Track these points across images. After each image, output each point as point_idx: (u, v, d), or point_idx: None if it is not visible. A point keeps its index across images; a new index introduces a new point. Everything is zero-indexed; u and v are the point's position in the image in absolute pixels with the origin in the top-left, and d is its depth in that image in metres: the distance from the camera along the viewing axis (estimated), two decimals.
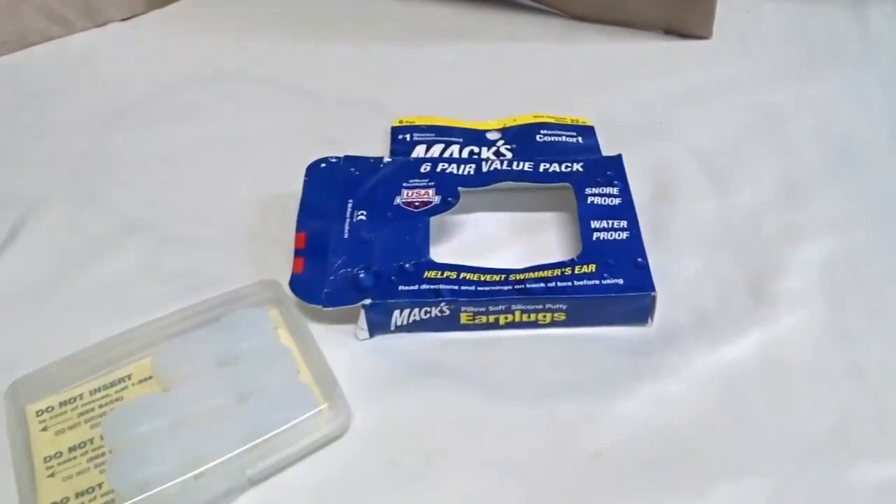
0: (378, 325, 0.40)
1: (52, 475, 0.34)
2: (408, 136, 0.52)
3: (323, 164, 0.46)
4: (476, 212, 0.46)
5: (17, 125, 0.55)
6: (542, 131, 0.51)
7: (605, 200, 0.43)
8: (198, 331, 0.39)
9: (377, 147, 0.51)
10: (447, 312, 0.39)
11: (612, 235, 0.41)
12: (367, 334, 0.40)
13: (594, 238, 0.41)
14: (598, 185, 0.44)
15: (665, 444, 0.36)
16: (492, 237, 0.45)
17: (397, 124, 0.53)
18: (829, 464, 0.35)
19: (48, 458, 0.35)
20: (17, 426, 0.36)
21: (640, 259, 0.40)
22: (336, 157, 0.46)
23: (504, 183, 0.45)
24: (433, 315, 0.40)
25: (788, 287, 0.42)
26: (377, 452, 0.36)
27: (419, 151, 0.50)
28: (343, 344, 0.40)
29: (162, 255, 0.46)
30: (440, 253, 0.43)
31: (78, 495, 0.34)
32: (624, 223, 0.42)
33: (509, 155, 0.49)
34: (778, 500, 0.34)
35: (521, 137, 0.51)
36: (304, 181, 0.45)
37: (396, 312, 0.39)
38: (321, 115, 0.55)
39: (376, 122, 0.53)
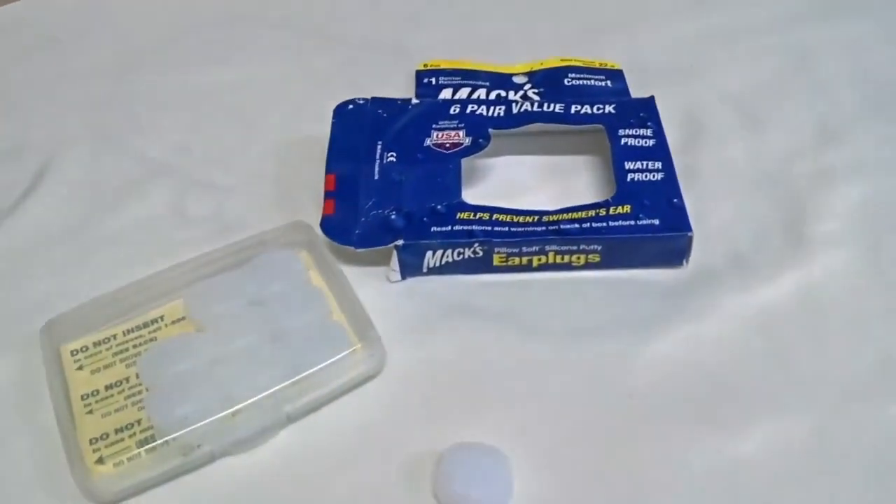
0: (410, 267, 0.40)
1: (90, 412, 0.35)
2: (433, 80, 0.51)
3: (350, 106, 0.45)
4: (506, 155, 0.46)
5: (36, 70, 0.54)
6: (570, 75, 0.50)
7: (638, 142, 0.42)
8: (229, 272, 0.39)
9: (401, 91, 0.50)
10: (480, 254, 0.39)
11: (646, 176, 0.41)
12: (398, 276, 0.40)
13: (628, 179, 0.41)
14: (632, 126, 0.43)
15: (702, 383, 0.36)
16: (522, 181, 0.45)
17: (422, 68, 0.52)
18: (869, 402, 0.35)
19: (85, 396, 0.35)
20: (53, 365, 0.36)
21: (675, 199, 0.40)
22: (363, 99, 0.46)
23: (534, 126, 0.45)
24: (466, 256, 0.39)
25: (824, 229, 0.41)
26: (412, 391, 0.36)
27: (445, 95, 0.49)
28: (374, 286, 0.40)
29: (187, 198, 0.46)
30: (471, 196, 0.43)
31: (117, 431, 0.34)
32: (658, 164, 0.41)
33: (537, 98, 0.48)
34: (818, 437, 0.34)
35: (549, 81, 0.50)
36: (332, 123, 0.44)
37: (429, 254, 0.39)
38: (343, 59, 0.54)
39: (400, 65, 0.52)
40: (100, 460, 0.33)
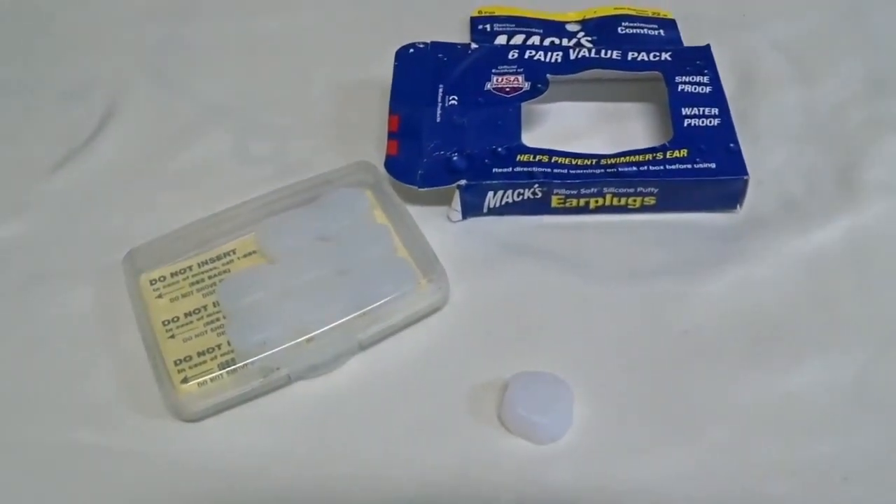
0: (471, 207, 0.41)
1: (171, 337, 0.37)
2: (488, 27, 0.51)
3: (411, 50, 0.46)
4: (562, 101, 0.47)
5: (94, 15, 0.55)
6: (623, 23, 0.51)
7: (695, 88, 0.43)
8: (297, 209, 0.41)
9: (455, 37, 0.51)
10: (539, 195, 0.40)
11: (703, 122, 0.41)
12: (460, 216, 0.41)
13: (685, 124, 0.41)
14: (688, 73, 0.44)
15: (753, 322, 0.37)
16: (579, 126, 0.46)
17: (476, 14, 0.53)
18: None
19: (166, 322, 0.37)
20: (136, 292, 0.38)
21: (732, 144, 0.40)
22: (423, 43, 0.47)
23: (590, 72, 0.45)
24: (525, 197, 0.41)
25: (876, 177, 0.42)
26: (476, 324, 0.38)
27: (500, 41, 0.50)
28: (436, 225, 0.41)
29: (249, 140, 0.47)
30: (528, 140, 0.43)
31: (199, 354, 0.36)
32: (715, 111, 0.42)
33: (590, 46, 0.49)
34: (866, 375, 0.35)
35: (602, 29, 0.51)
36: (395, 66, 0.45)
37: (490, 194, 0.40)
38: (396, 8, 0.54)
39: (451, 12, 0.53)
40: (184, 380, 0.35)
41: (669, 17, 0.52)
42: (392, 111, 0.44)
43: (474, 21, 0.52)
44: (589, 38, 0.50)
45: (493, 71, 0.45)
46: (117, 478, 0.34)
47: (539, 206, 0.41)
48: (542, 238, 0.41)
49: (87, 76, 0.51)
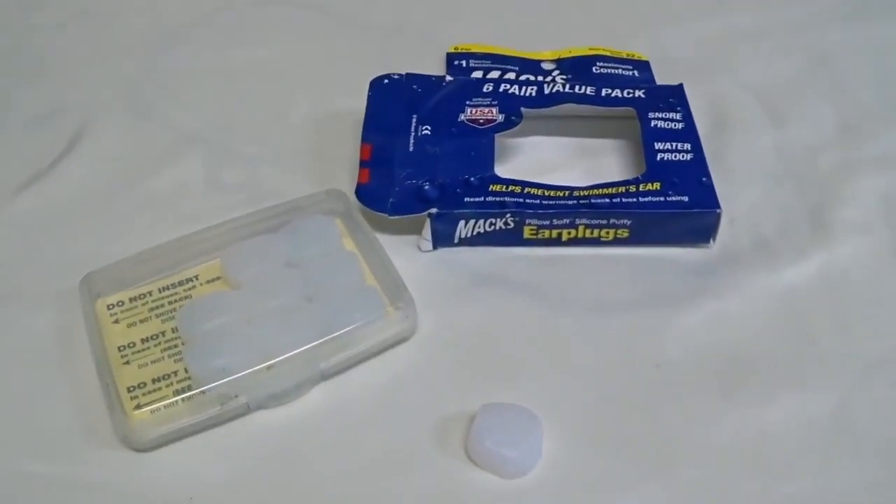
0: (442, 237, 0.40)
1: (126, 363, 0.35)
2: (464, 63, 0.52)
3: (386, 81, 0.46)
4: (536, 135, 0.47)
5: (71, 43, 0.55)
6: (597, 63, 0.51)
7: (668, 124, 0.43)
8: (265, 235, 0.40)
9: (432, 72, 0.51)
10: (511, 225, 0.40)
11: (676, 157, 0.41)
12: (430, 245, 0.41)
13: (658, 158, 0.41)
14: (661, 109, 0.44)
15: (726, 357, 0.37)
16: (552, 160, 0.45)
17: (453, 50, 0.53)
18: (888, 380, 0.36)
19: (122, 348, 0.36)
20: (91, 317, 0.36)
21: (704, 179, 0.40)
22: (398, 74, 0.47)
23: (565, 107, 0.45)
24: (497, 227, 0.40)
25: (848, 216, 0.42)
26: (444, 354, 0.37)
27: (476, 76, 0.50)
28: (406, 255, 0.41)
29: (222, 167, 0.46)
30: (501, 173, 0.43)
31: (154, 381, 0.34)
32: (688, 146, 0.42)
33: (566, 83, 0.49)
34: (841, 411, 0.35)
35: (577, 69, 0.51)
36: (368, 95, 0.45)
37: (461, 223, 0.40)
38: (373, 43, 0.55)
39: (428, 50, 0.53)
40: (138, 406, 0.33)
41: (644, 58, 0.52)
42: (364, 140, 0.43)
43: (450, 57, 0.52)
44: (564, 77, 0.50)
45: (468, 102, 0.45)
46: None
47: (511, 237, 0.40)
48: (514, 269, 0.40)
49: (59, 102, 0.50)
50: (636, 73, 0.51)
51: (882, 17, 0.56)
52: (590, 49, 0.53)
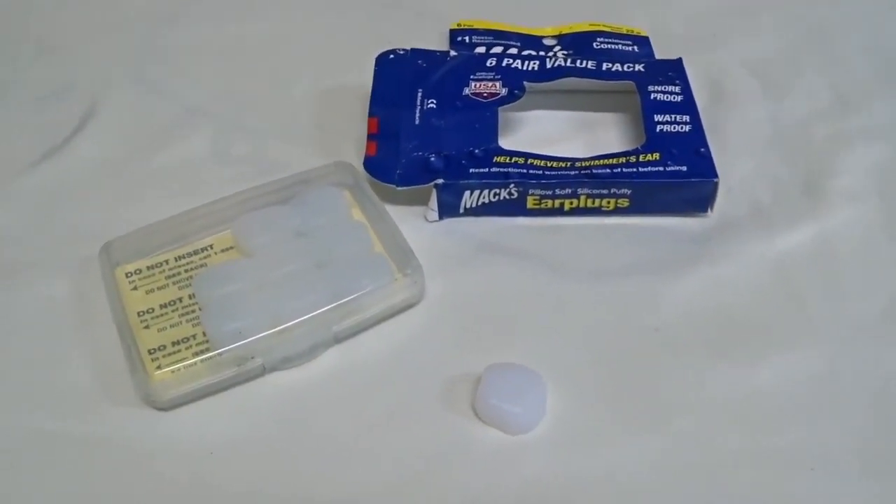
0: (448, 207, 0.42)
1: (146, 327, 0.37)
2: (466, 39, 0.53)
3: (391, 56, 0.47)
4: (538, 109, 0.48)
5: (77, 18, 0.56)
6: (598, 39, 0.52)
7: (667, 97, 0.44)
8: (275, 206, 0.41)
9: (435, 48, 0.52)
10: (515, 195, 0.41)
11: (674, 128, 0.43)
12: (436, 215, 0.42)
13: (657, 130, 0.43)
14: (660, 83, 0.45)
15: (721, 320, 0.38)
16: (554, 133, 0.47)
17: (455, 27, 0.54)
18: (880, 340, 0.37)
19: (141, 313, 0.37)
20: (112, 284, 0.38)
21: (702, 149, 0.42)
22: (403, 50, 0.48)
23: (566, 82, 0.46)
24: (501, 198, 0.41)
25: (841, 185, 0.44)
26: (450, 319, 0.38)
27: (479, 52, 0.51)
28: (414, 225, 0.42)
29: (229, 140, 0.47)
30: (505, 145, 0.44)
31: (174, 343, 0.36)
32: (686, 118, 0.43)
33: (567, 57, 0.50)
34: (831, 370, 0.36)
35: (578, 44, 0.52)
36: (375, 70, 0.46)
37: (466, 194, 0.41)
38: (374, 18, 0.56)
39: (430, 26, 0.54)
40: (158, 367, 0.35)
41: (643, 34, 0.53)
42: (371, 113, 0.44)
43: (453, 33, 0.53)
44: (565, 52, 0.51)
45: (472, 77, 0.46)
46: (90, 466, 0.33)
47: (515, 207, 0.42)
48: (518, 238, 0.42)
49: (68, 77, 0.51)
50: (636, 48, 0.52)
51: None
52: (590, 25, 0.54)
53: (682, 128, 0.43)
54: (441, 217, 0.42)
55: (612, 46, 0.52)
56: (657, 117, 0.43)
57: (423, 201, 0.42)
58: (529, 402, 0.34)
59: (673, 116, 0.43)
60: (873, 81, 0.50)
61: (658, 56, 0.52)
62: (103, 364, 0.36)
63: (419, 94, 0.45)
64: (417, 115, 0.44)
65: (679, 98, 0.44)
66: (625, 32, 0.53)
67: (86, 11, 0.56)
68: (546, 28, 0.54)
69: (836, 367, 0.36)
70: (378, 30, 0.54)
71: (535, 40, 0.53)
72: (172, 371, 0.34)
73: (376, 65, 0.47)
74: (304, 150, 0.46)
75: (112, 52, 0.53)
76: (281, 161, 0.45)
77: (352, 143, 0.46)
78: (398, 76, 0.46)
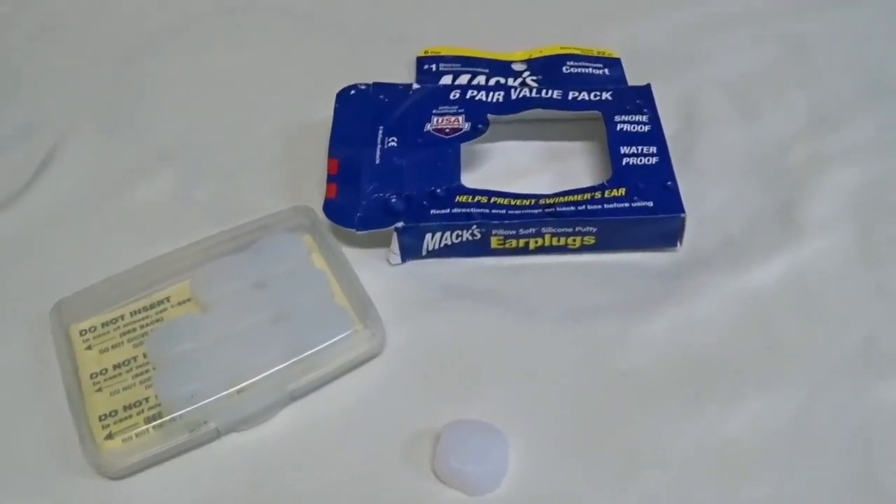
0: (410, 250, 0.41)
1: (99, 390, 0.36)
2: (434, 67, 0.51)
3: (352, 92, 0.46)
4: (504, 140, 0.47)
5: (43, 56, 0.55)
6: (568, 63, 0.51)
7: (634, 127, 0.43)
8: (233, 255, 0.40)
9: (402, 78, 0.51)
10: (478, 236, 0.40)
11: (641, 160, 0.41)
12: (399, 259, 0.41)
13: (623, 163, 0.41)
14: (628, 112, 0.44)
15: (692, 363, 0.37)
16: (521, 165, 0.45)
17: (423, 54, 0.53)
18: (855, 381, 0.36)
19: (94, 375, 0.36)
20: (63, 345, 0.37)
21: (669, 182, 0.40)
22: (365, 84, 0.47)
23: (532, 112, 0.45)
24: (464, 239, 0.40)
25: (816, 213, 0.42)
26: (412, 370, 0.37)
27: (446, 81, 0.50)
28: (376, 269, 0.41)
29: (193, 183, 0.46)
30: (470, 181, 0.43)
31: (126, 408, 0.35)
32: (653, 149, 0.42)
33: (535, 85, 0.49)
34: (805, 414, 0.35)
35: (548, 69, 0.51)
36: (335, 108, 0.45)
37: (428, 236, 0.40)
38: (344, 47, 0.55)
39: (400, 53, 0.53)
40: (109, 436, 0.34)
41: (614, 55, 0.52)
42: (331, 154, 0.43)
43: (420, 61, 0.52)
44: (534, 78, 0.50)
45: (434, 111, 0.45)
46: None
47: (479, 248, 0.41)
48: (483, 280, 0.40)
49: (31, 119, 0.50)
50: (607, 71, 0.51)
51: (853, 3, 0.56)
52: (560, 48, 0.53)
53: (648, 160, 0.41)
54: (404, 260, 0.41)
55: (583, 70, 0.51)
56: (623, 149, 0.42)
57: (387, 243, 0.41)
58: (490, 462, 0.33)
59: (640, 148, 0.42)
60: (853, 98, 0.49)
61: (630, 77, 0.50)
62: (56, 429, 0.35)
63: (380, 132, 0.44)
64: (378, 154, 0.43)
65: (646, 128, 0.43)
66: (595, 55, 0.52)
67: (48, 50, 0.55)
68: (516, 52, 0.53)
69: (811, 410, 0.35)
70: (351, 59, 0.53)
71: (504, 66, 0.52)
72: (123, 440, 0.33)
73: (337, 102, 0.46)
74: (268, 192, 0.45)
75: (76, 92, 0.52)
76: (245, 203, 0.44)
77: (317, 183, 0.45)
78: (359, 113, 0.45)
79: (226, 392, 0.34)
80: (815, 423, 0.35)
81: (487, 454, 0.33)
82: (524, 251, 0.41)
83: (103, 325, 0.38)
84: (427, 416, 0.35)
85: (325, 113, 0.47)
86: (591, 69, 0.51)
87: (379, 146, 0.43)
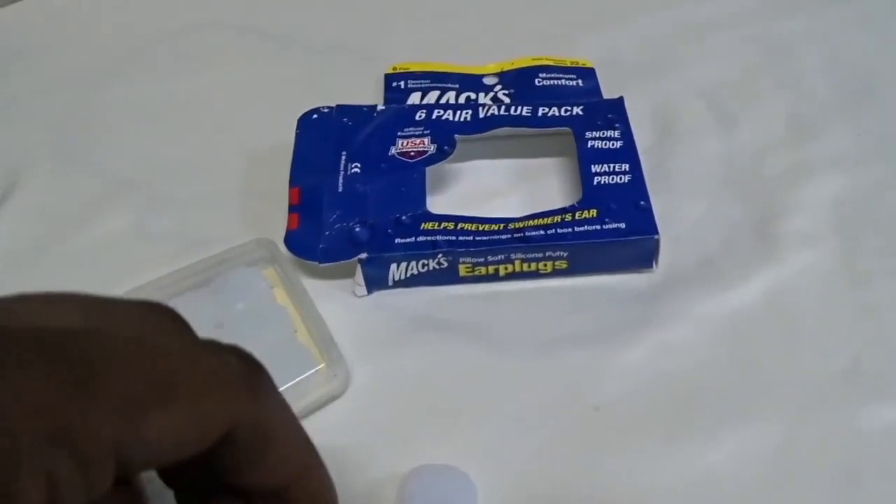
0: (375, 281, 0.39)
1: None
2: (402, 84, 0.50)
3: (315, 115, 0.45)
4: (474, 160, 0.45)
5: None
6: (540, 74, 0.50)
7: (605, 144, 0.42)
8: (192, 293, 0.39)
9: (371, 96, 0.50)
10: (445, 265, 0.38)
11: (613, 179, 0.40)
12: (364, 290, 0.39)
13: (595, 182, 0.40)
14: (599, 128, 0.42)
15: (672, 392, 0.35)
16: (491, 185, 0.44)
17: (391, 71, 0.51)
18: (840, 407, 0.34)
19: None
20: None
21: (642, 202, 0.39)
22: (328, 107, 0.45)
23: (502, 129, 0.44)
24: (431, 268, 0.39)
25: (796, 227, 0.41)
26: (378, 410, 0.35)
27: (414, 99, 0.48)
28: (341, 301, 0.39)
29: (152, 215, 0.45)
30: (438, 203, 0.42)
31: None
32: (626, 166, 0.40)
33: (507, 100, 0.47)
34: (788, 444, 0.33)
35: (520, 81, 0.49)
36: (296, 134, 0.44)
37: (393, 266, 0.39)
38: (310, 65, 0.53)
39: (368, 69, 0.52)
40: None
41: (588, 65, 0.51)
42: (293, 183, 0.42)
43: (388, 78, 0.50)
44: (506, 91, 0.49)
45: (399, 134, 0.43)
46: None
47: (447, 276, 0.39)
48: (452, 310, 0.39)
49: None
50: (580, 81, 0.49)
51: (831, 4, 0.54)
52: (532, 59, 0.51)
53: (621, 178, 0.40)
54: (370, 291, 0.40)
55: (556, 82, 0.49)
56: (595, 167, 0.40)
57: (352, 274, 0.40)
58: None
59: (611, 166, 0.40)
60: (832, 103, 0.48)
61: (604, 86, 0.49)
62: None
63: (343, 158, 0.42)
64: (341, 181, 0.41)
65: (618, 144, 0.41)
66: (569, 65, 0.51)
67: (5, 82, 0.54)
68: (487, 65, 0.51)
69: (795, 437, 0.34)
70: (319, 78, 0.52)
71: (475, 80, 0.50)
72: None
73: (298, 127, 0.44)
74: (230, 224, 0.43)
75: (34, 123, 0.51)
76: (206, 236, 0.43)
77: (281, 212, 0.43)
78: (321, 138, 0.43)
79: None
80: (799, 453, 0.33)
81: (454, 502, 0.31)
82: (494, 278, 0.39)
83: None
84: (392, 460, 0.33)
85: (288, 137, 0.45)
86: (564, 80, 0.49)
87: (342, 173, 0.42)
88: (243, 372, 0.22)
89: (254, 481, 0.22)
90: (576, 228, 0.38)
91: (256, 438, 0.21)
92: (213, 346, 0.22)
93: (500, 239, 0.38)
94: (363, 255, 0.38)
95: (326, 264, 0.39)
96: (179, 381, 0.20)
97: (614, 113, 0.43)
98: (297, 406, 0.34)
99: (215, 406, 0.20)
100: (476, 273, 0.39)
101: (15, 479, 0.16)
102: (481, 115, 0.44)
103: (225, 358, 0.22)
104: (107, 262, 0.42)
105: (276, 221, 0.43)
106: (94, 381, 0.18)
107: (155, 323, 0.22)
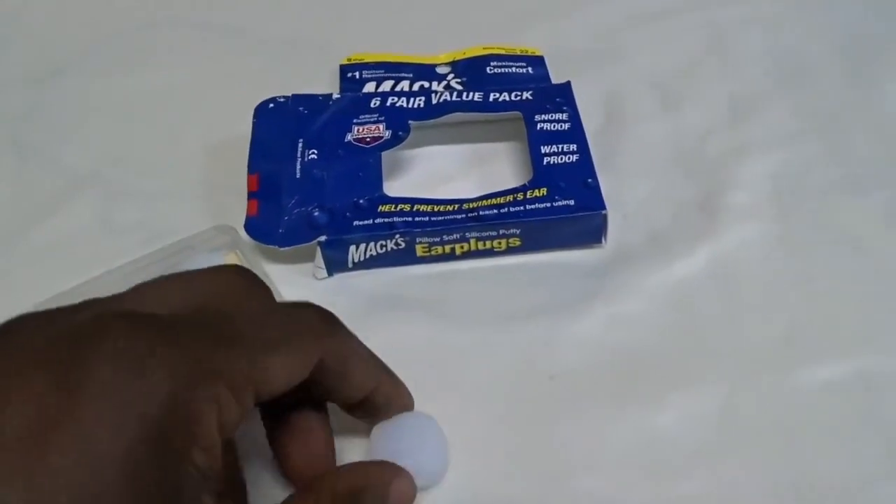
0: (335, 263, 0.40)
1: None
2: (357, 74, 0.51)
3: (271, 105, 0.45)
4: (428, 146, 0.46)
5: None
6: (492, 63, 0.51)
7: (554, 126, 0.43)
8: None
9: (326, 86, 0.51)
10: (402, 245, 0.40)
11: (561, 159, 0.41)
12: (325, 273, 0.40)
13: (544, 163, 0.41)
14: (548, 111, 0.44)
15: (622, 360, 0.37)
16: (445, 170, 0.45)
17: (346, 62, 0.52)
18: (778, 368, 0.36)
19: None
20: None
21: (590, 180, 0.40)
22: (284, 97, 0.46)
23: (455, 115, 0.45)
24: (389, 249, 0.40)
25: (738, 201, 0.43)
26: None
27: (369, 88, 0.49)
28: (302, 284, 0.40)
29: (113, 208, 0.45)
30: (394, 189, 0.43)
31: None
32: (573, 146, 0.42)
33: (460, 87, 0.49)
34: (730, 405, 0.35)
35: (472, 70, 0.51)
36: (253, 122, 0.45)
37: (352, 248, 0.40)
38: (266, 57, 0.54)
39: (323, 61, 0.52)
40: None
41: (538, 54, 0.52)
42: (251, 170, 0.43)
43: (343, 69, 0.51)
44: (459, 80, 0.50)
45: (354, 121, 0.44)
46: None
47: (405, 257, 0.40)
48: (411, 289, 0.40)
49: None
50: (530, 69, 0.51)
51: None
52: (484, 49, 0.52)
53: (569, 158, 0.41)
54: (330, 273, 0.41)
55: (506, 70, 0.51)
56: (544, 149, 0.42)
57: (312, 257, 0.41)
58: (425, 452, 0.32)
59: (560, 147, 0.42)
60: (770, 86, 0.50)
61: (554, 74, 0.50)
62: None
63: (300, 145, 0.43)
64: (298, 167, 0.42)
65: (567, 126, 0.43)
66: (518, 53, 0.52)
67: None
68: (440, 55, 0.53)
69: (737, 398, 0.35)
70: (276, 71, 0.52)
71: (428, 69, 0.51)
72: None
73: (255, 116, 0.45)
74: (192, 213, 0.44)
75: None
76: (169, 226, 0.43)
77: (240, 201, 0.44)
78: (278, 126, 0.44)
79: None
80: (741, 413, 0.35)
81: (421, 443, 0.32)
82: (451, 257, 0.41)
83: None
84: (358, 428, 0.34)
85: (246, 128, 0.46)
86: (514, 68, 0.51)
87: (299, 159, 0.43)
88: (323, 318, 0.30)
89: (342, 395, 0.30)
90: (527, 206, 0.39)
91: (340, 364, 0.29)
92: (295, 302, 0.30)
93: (455, 219, 0.40)
94: (322, 238, 0.39)
95: (287, 248, 0.40)
96: (284, 331, 0.27)
97: (562, 97, 0.45)
98: None
99: (309, 346, 0.28)
100: (433, 253, 0.40)
101: (196, 401, 0.23)
102: (434, 101, 0.45)
103: (307, 310, 0.29)
104: (72, 255, 0.43)
105: (237, 210, 0.43)
106: (229, 339, 0.25)
107: (249, 287, 0.29)
